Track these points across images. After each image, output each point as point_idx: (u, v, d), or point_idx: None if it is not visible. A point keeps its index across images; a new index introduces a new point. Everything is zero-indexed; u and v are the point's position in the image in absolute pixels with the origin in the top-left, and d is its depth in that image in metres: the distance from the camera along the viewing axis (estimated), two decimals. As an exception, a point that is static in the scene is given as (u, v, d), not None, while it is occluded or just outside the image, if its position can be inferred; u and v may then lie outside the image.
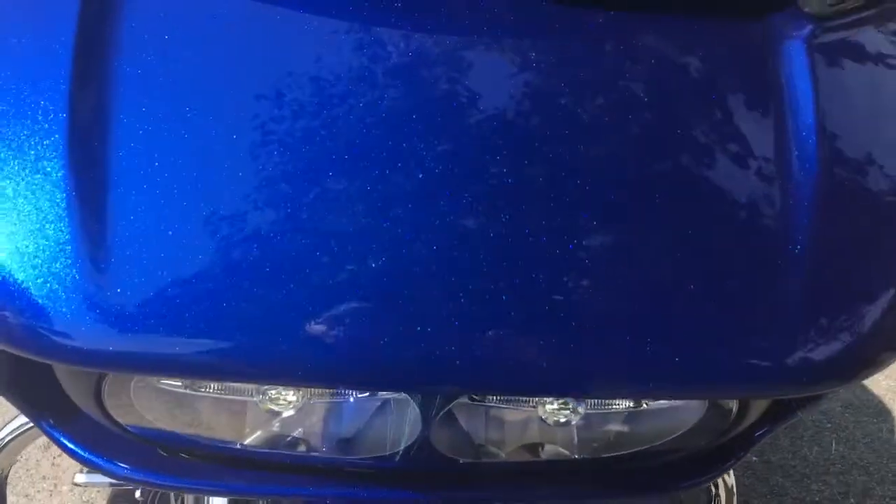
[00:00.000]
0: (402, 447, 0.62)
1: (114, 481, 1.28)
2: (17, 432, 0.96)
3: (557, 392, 0.55)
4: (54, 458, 1.89)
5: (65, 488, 1.84)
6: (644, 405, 0.62)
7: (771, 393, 0.56)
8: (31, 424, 0.91)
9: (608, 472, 0.68)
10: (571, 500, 0.68)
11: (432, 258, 0.50)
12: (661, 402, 0.63)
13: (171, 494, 1.30)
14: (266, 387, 0.59)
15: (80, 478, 1.25)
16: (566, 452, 0.65)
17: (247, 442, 0.64)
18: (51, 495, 1.82)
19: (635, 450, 0.66)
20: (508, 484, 0.67)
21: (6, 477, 0.97)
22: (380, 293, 0.49)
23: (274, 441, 0.64)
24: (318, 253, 0.50)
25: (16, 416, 0.92)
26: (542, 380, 0.50)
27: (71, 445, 0.63)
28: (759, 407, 0.62)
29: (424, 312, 0.49)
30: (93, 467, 0.63)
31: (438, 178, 0.52)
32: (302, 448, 0.64)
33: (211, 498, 0.77)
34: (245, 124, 0.52)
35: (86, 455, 0.63)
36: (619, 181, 0.53)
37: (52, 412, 0.61)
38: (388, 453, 0.63)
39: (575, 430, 0.65)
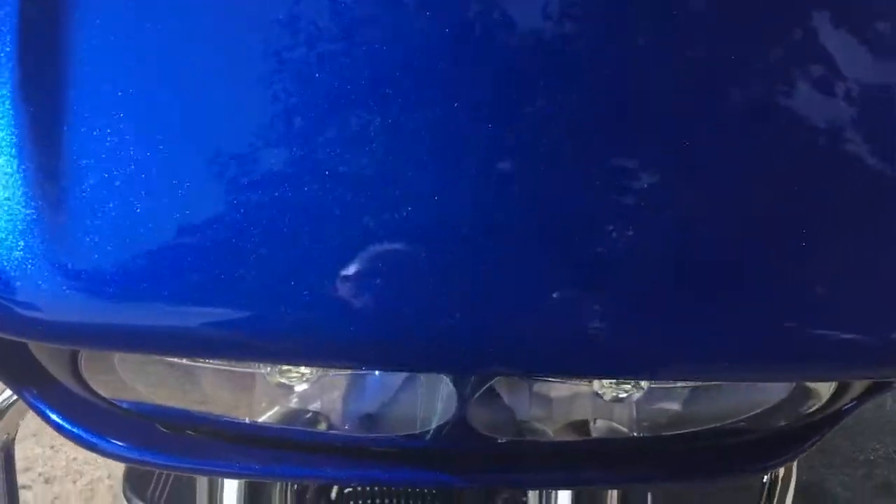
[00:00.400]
0: (433, 425, 0.54)
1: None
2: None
3: (631, 375, 0.46)
4: (80, 409, 1.86)
5: (90, 440, 1.81)
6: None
7: (882, 373, 0.46)
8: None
9: (669, 453, 0.59)
10: (627, 483, 0.60)
11: (471, 209, 0.41)
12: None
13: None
14: (274, 359, 0.50)
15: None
16: (623, 430, 0.56)
17: (257, 419, 0.56)
18: (76, 447, 1.79)
19: (703, 428, 0.57)
20: (555, 465, 0.58)
21: (13, 440, 0.91)
22: (406, 254, 0.40)
23: (288, 418, 0.56)
24: (331, 205, 0.41)
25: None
26: (613, 361, 0.41)
27: (57, 419, 0.55)
28: (863, 383, 0.52)
29: (461, 277, 0.40)
30: (83, 445, 0.56)
31: (477, 111, 0.42)
32: (320, 426, 0.56)
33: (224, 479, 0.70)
34: (243, 43, 0.43)
35: (74, 430, 0.55)
36: (707, 114, 0.43)
37: (33, 383, 0.54)
38: (417, 432, 0.54)
39: (634, 407, 0.56)
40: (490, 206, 0.41)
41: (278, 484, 0.72)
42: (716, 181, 0.42)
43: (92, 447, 0.56)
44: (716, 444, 0.58)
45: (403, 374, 0.55)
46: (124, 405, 0.54)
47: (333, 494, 1.12)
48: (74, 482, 1.72)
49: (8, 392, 0.91)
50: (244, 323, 0.40)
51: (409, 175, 0.41)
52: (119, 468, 1.43)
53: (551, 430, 0.57)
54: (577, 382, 0.53)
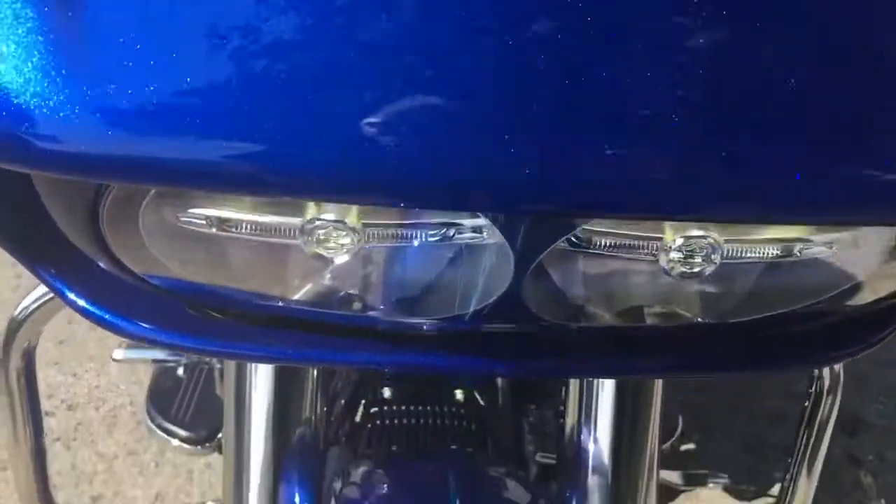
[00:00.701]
0: (475, 306, 0.50)
1: (156, 357, 1.21)
2: (42, 300, 0.87)
3: (682, 213, 0.41)
4: (101, 338, 1.86)
5: (112, 368, 1.80)
6: (797, 253, 0.48)
7: None
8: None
9: (736, 341, 0.55)
10: (690, 373, 0.56)
11: (515, 44, 0.36)
12: (822, 248, 0.48)
13: (216, 370, 1.22)
14: (311, 225, 0.46)
15: (119, 353, 1.17)
16: (687, 315, 0.52)
17: (291, 297, 0.52)
18: (98, 375, 1.79)
19: (775, 313, 0.52)
20: (611, 353, 0.54)
21: (35, 348, 0.89)
22: (457, 76, 0.35)
23: (323, 298, 0.52)
24: (366, 38, 0.36)
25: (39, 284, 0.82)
26: (661, 198, 0.36)
27: (79, 301, 0.52)
28: None
29: (501, 106, 0.35)
30: (107, 327, 0.52)
31: None
32: (357, 307, 0.52)
33: (256, 365, 0.66)
34: None
35: (96, 312, 0.52)
36: None
37: (50, 260, 0.50)
38: (458, 313, 0.50)
39: (700, 288, 0.51)
40: (535, 37, 0.36)
41: (311, 384, 0.69)
42: (773, 15, 0.37)
43: (117, 329, 0.53)
44: (787, 331, 0.54)
45: (446, 252, 0.51)
46: (152, 281, 0.50)
47: (358, 415, 1.10)
48: (97, 409, 1.72)
49: (29, 300, 0.89)
50: (270, 157, 0.36)
51: (452, 12, 0.37)
52: (141, 395, 1.42)
53: (609, 315, 0.53)
54: (639, 254, 0.48)
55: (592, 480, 0.74)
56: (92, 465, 1.62)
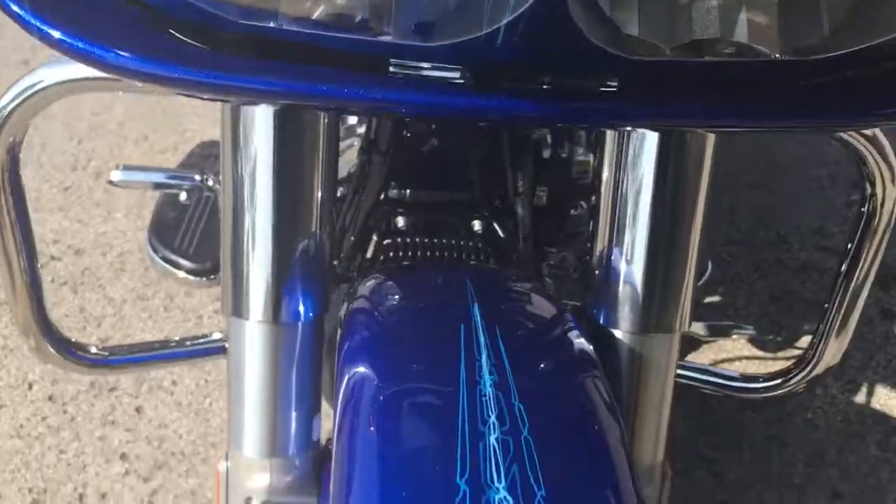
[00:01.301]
0: (506, 18, 0.41)
1: (156, 180, 1.14)
2: (27, 92, 0.80)
3: None
4: (106, 186, 1.80)
5: (118, 215, 1.76)
6: None
7: None
8: (42, 83, 0.74)
9: (804, 84, 0.46)
10: (754, 122, 0.48)
11: None
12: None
13: (219, 199, 1.15)
14: None
15: (116, 175, 1.10)
16: (764, 50, 0.44)
17: (286, 12, 0.44)
18: (104, 221, 1.75)
19: (859, 48, 0.44)
20: (669, 94, 0.46)
21: (20, 143, 0.82)
22: None
23: (325, 18, 0.44)
24: None
25: (24, 76, 0.75)
26: None
27: (37, 22, 0.43)
28: None
29: None
30: (74, 54, 0.44)
31: None
32: (366, 27, 0.44)
33: (255, 109, 0.57)
34: None
35: (60, 32, 0.44)
36: None
37: None
38: (485, 32, 0.42)
39: (778, 19, 0.43)
40: None
41: (317, 182, 0.61)
42: None
43: (88, 58, 0.45)
44: (869, 74, 0.46)
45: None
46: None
47: (370, 251, 1.04)
48: (104, 254, 1.68)
49: (11, 93, 0.81)
50: None
51: None
52: (148, 243, 1.37)
53: (669, 49, 0.44)
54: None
55: (623, 293, 0.68)
56: (101, 308, 1.59)
